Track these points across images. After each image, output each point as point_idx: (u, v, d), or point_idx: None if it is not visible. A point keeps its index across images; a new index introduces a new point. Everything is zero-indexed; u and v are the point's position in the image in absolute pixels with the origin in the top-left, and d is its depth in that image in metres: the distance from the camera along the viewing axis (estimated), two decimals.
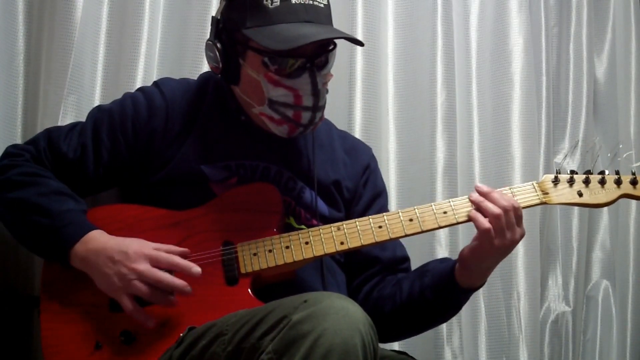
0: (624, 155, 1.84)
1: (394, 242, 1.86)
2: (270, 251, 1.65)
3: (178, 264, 1.58)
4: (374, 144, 2.12)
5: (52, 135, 1.76)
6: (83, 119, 1.84)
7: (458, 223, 1.69)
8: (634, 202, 2.60)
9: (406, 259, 1.89)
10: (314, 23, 1.65)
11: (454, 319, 2.26)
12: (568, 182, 1.72)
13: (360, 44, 1.75)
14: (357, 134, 2.23)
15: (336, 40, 1.72)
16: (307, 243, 1.66)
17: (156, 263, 1.57)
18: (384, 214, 1.69)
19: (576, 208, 2.55)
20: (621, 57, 2.65)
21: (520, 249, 2.38)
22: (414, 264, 1.90)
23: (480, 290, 2.35)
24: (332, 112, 2.10)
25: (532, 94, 2.46)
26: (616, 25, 2.68)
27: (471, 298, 1.83)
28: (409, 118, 2.39)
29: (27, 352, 1.87)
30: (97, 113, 1.79)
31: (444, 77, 2.36)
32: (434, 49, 2.37)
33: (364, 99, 2.29)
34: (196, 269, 1.58)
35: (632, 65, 2.64)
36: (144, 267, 1.56)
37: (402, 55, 2.41)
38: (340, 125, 2.02)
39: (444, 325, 2.24)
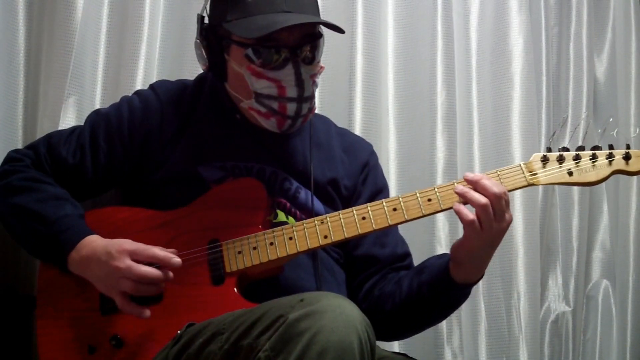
0: (616, 130, 1.72)
1: (395, 239, 1.85)
2: (254, 249, 1.64)
3: (157, 256, 1.58)
4: (374, 143, 2.11)
5: (52, 140, 1.78)
6: (83, 119, 1.85)
7: (442, 210, 1.62)
8: (634, 202, 2.60)
9: (407, 255, 1.87)
10: (293, 13, 1.66)
11: (453, 319, 2.26)
12: (558, 160, 1.62)
13: (341, 31, 1.68)
14: (357, 133, 2.23)
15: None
16: (291, 239, 1.64)
17: (136, 257, 1.58)
18: (368, 204, 1.66)
19: (576, 207, 2.55)
20: (621, 57, 2.65)
21: (520, 249, 2.38)
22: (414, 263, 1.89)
23: (480, 290, 2.37)
24: (332, 112, 2.10)
25: (532, 93, 2.46)
26: (616, 25, 2.68)
27: (471, 298, 1.81)
28: (409, 118, 2.39)
29: (26, 353, 1.86)
30: (95, 117, 1.81)
31: (444, 77, 2.36)
32: (434, 49, 2.37)
33: (364, 99, 2.29)
34: (176, 259, 1.58)
35: (632, 65, 2.64)
36: (126, 264, 1.56)
37: (402, 55, 2.41)
38: (340, 125, 2.02)
39: (444, 325, 2.24)
